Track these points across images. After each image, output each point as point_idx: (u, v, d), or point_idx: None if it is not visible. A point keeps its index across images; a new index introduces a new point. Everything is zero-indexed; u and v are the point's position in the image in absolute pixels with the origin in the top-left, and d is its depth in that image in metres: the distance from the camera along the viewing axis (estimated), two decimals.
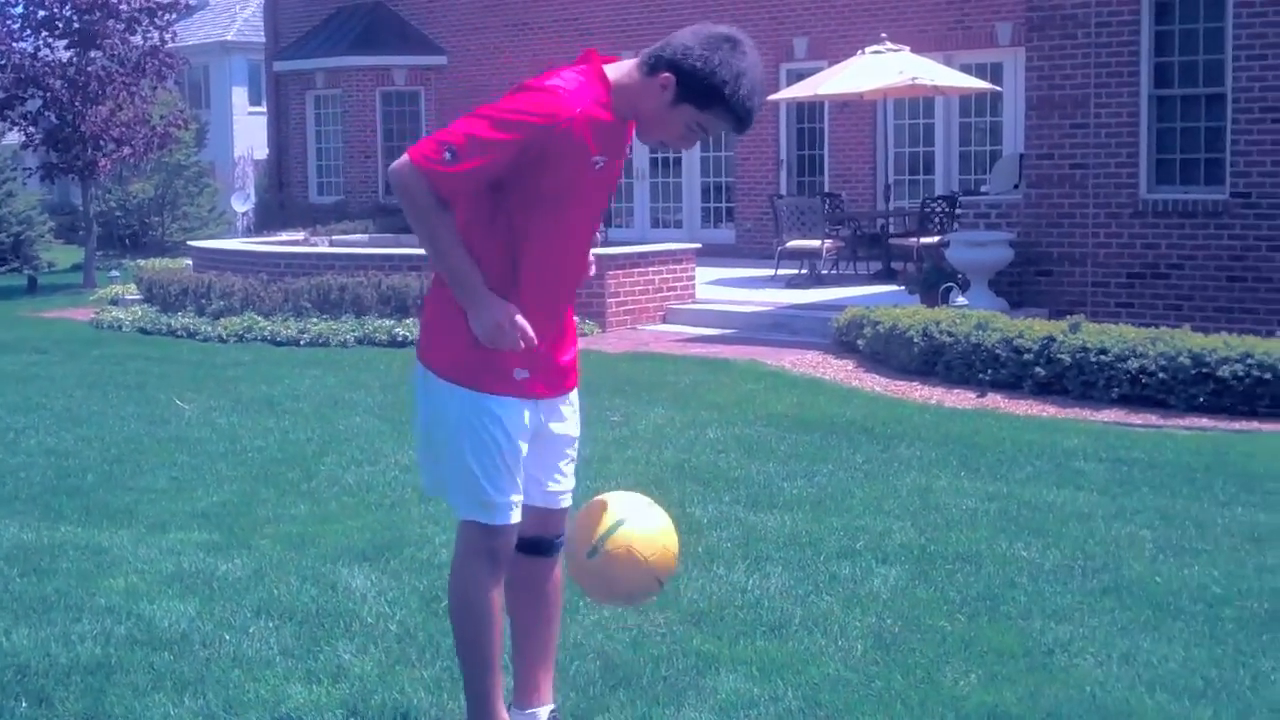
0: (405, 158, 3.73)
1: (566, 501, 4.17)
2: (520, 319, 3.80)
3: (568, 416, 4.09)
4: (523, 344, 3.80)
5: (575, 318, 4.17)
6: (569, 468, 4.15)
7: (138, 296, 19.09)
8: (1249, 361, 10.15)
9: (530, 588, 4.16)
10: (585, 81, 3.80)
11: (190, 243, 23.22)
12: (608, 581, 4.07)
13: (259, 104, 37.56)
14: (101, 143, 23.53)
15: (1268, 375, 10.04)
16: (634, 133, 3.95)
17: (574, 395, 4.14)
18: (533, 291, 3.87)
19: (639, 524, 4.03)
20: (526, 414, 3.91)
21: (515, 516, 3.93)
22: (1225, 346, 10.38)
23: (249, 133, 39.76)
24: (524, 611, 4.18)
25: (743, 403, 10.51)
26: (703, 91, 3.74)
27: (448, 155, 3.68)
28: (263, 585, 5.95)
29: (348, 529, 6.90)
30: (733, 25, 3.87)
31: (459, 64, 27.08)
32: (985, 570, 6.11)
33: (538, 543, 4.12)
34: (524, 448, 3.93)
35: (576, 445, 4.17)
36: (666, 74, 3.75)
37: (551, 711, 4.18)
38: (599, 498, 4.15)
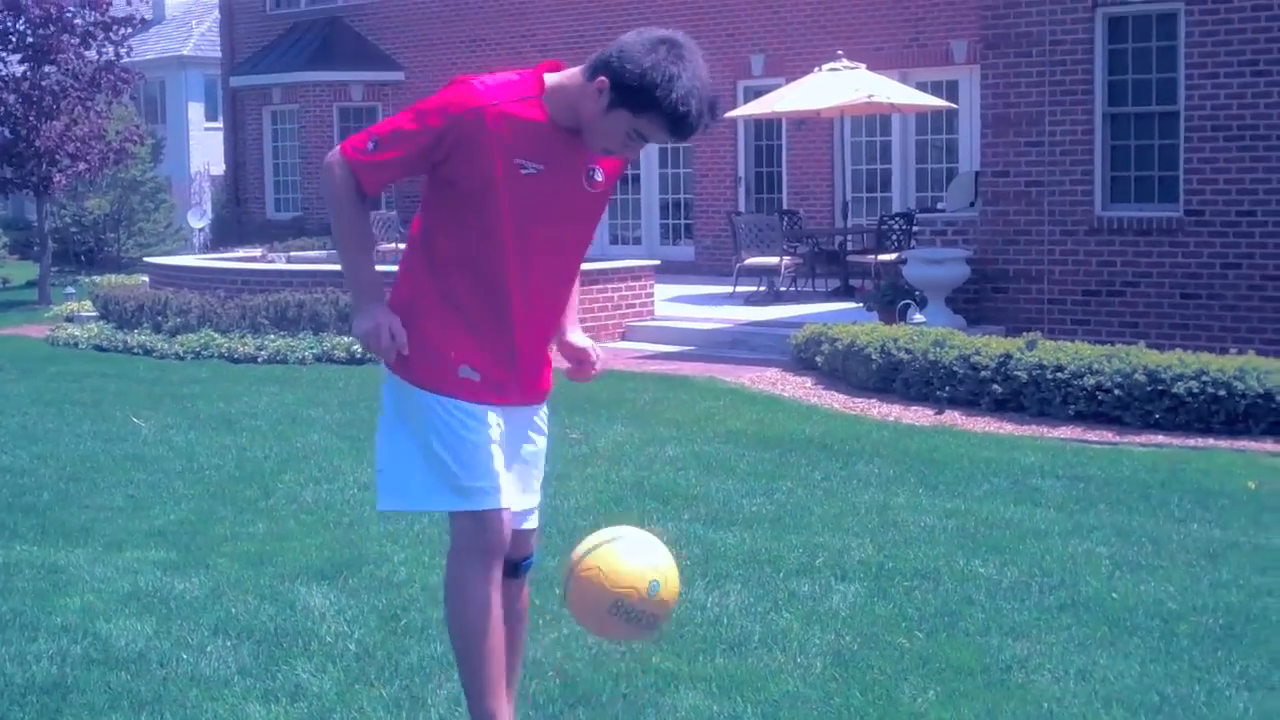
0: (336, 147, 3.86)
1: (532, 522, 4.13)
2: (393, 328, 3.80)
3: (534, 436, 4.06)
4: (390, 357, 3.83)
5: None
6: (534, 486, 4.10)
7: (93, 313, 18.97)
8: (1204, 378, 10.23)
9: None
10: (513, 80, 3.78)
11: (146, 259, 23.08)
12: (576, 605, 3.96)
13: (216, 119, 37.39)
14: (56, 158, 23.36)
15: (1222, 392, 10.13)
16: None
17: (542, 415, 4.11)
18: (470, 298, 3.85)
19: (620, 550, 3.89)
20: (490, 414, 3.87)
21: (500, 501, 3.85)
22: (1180, 363, 10.47)
23: (206, 148, 39.55)
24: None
25: (702, 420, 10.52)
26: (635, 95, 3.65)
27: (370, 145, 3.77)
28: (220, 604, 5.92)
29: (306, 547, 6.87)
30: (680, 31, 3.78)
31: (416, 79, 27.04)
32: (943, 587, 6.14)
33: (505, 563, 4.04)
34: (495, 439, 3.87)
35: (542, 465, 4.13)
36: (602, 77, 3.68)
37: None
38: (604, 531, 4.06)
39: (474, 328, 3.87)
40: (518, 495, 4.00)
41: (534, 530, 4.15)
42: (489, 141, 3.72)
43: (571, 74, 3.80)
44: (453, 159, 3.75)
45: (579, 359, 4.16)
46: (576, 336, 4.17)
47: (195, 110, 42.67)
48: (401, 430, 3.93)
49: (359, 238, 3.88)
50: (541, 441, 4.09)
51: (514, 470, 3.98)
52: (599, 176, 3.94)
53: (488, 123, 3.71)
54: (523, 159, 3.76)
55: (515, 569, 4.09)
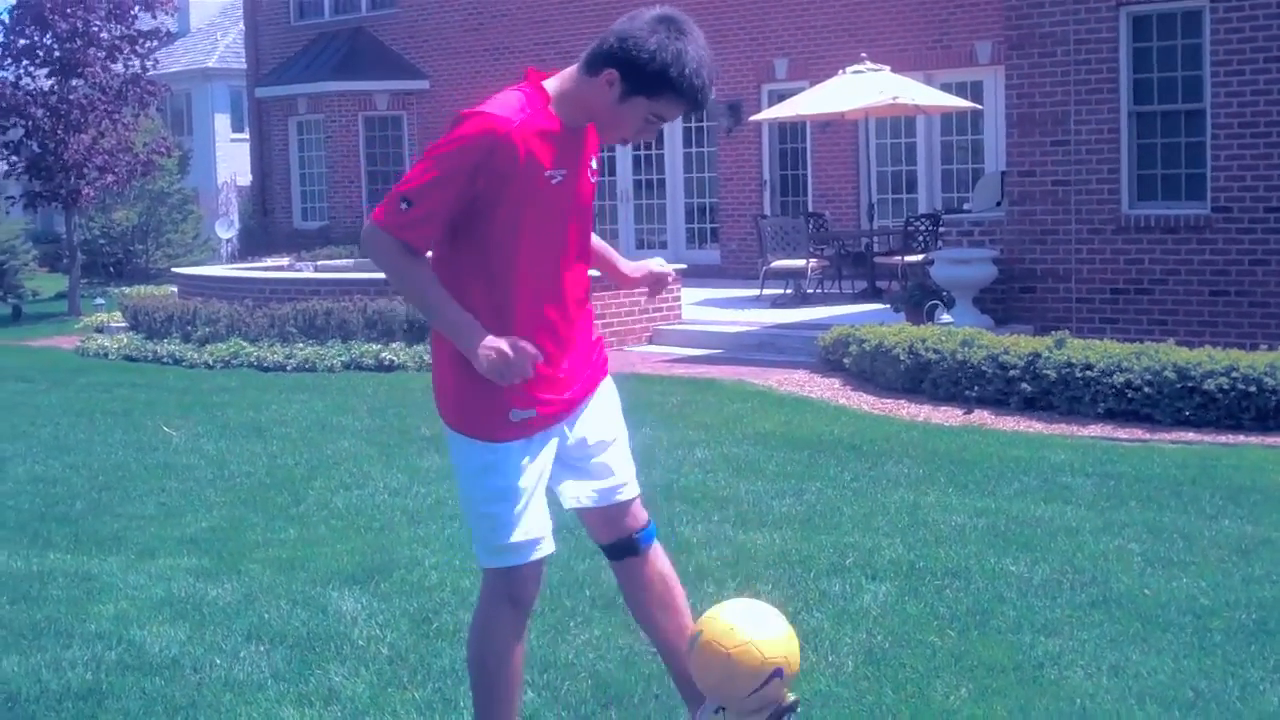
0: (369, 221, 3.70)
1: (625, 494, 4.00)
2: (521, 342, 3.64)
3: (597, 415, 3.96)
4: (530, 367, 3.64)
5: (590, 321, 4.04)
6: (616, 461, 3.98)
7: (123, 324, 19.07)
8: (1234, 375, 10.19)
9: (636, 590, 4.06)
10: (521, 96, 3.71)
11: (175, 269, 23.21)
12: (699, 671, 3.92)
13: (241, 130, 37.55)
14: (84, 170, 23.53)
15: (1252, 388, 10.09)
16: (599, 140, 3.85)
17: (603, 390, 4.01)
18: (525, 320, 3.76)
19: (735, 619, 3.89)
20: (530, 455, 3.80)
21: (533, 555, 3.80)
22: (1210, 360, 10.42)
23: (232, 159, 39.72)
24: (646, 615, 4.07)
25: (730, 422, 10.52)
26: (649, 80, 3.62)
27: (403, 205, 3.62)
28: (253, 609, 5.95)
29: (337, 552, 6.90)
30: (668, 6, 3.73)
31: (441, 88, 27.12)
32: (974, 585, 6.13)
33: (617, 546, 4.02)
34: (535, 483, 3.81)
35: (620, 437, 4.02)
36: (610, 70, 3.64)
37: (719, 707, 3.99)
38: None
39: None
40: (591, 481, 3.94)
41: (628, 503, 4.01)
42: (524, 162, 3.64)
43: (568, 74, 3.76)
44: (489, 190, 3.65)
45: (649, 281, 4.21)
46: (633, 266, 4.23)
47: (221, 121, 42.85)
48: (460, 484, 3.91)
49: (429, 286, 3.68)
50: (603, 412, 3.98)
51: (578, 458, 3.92)
52: (594, 164, 3.91)
53: (517, 143, 3.62)
54: (552, 170, 3.70)
55: (631, 546, 4.01)
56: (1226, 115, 13.32)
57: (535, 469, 3.80)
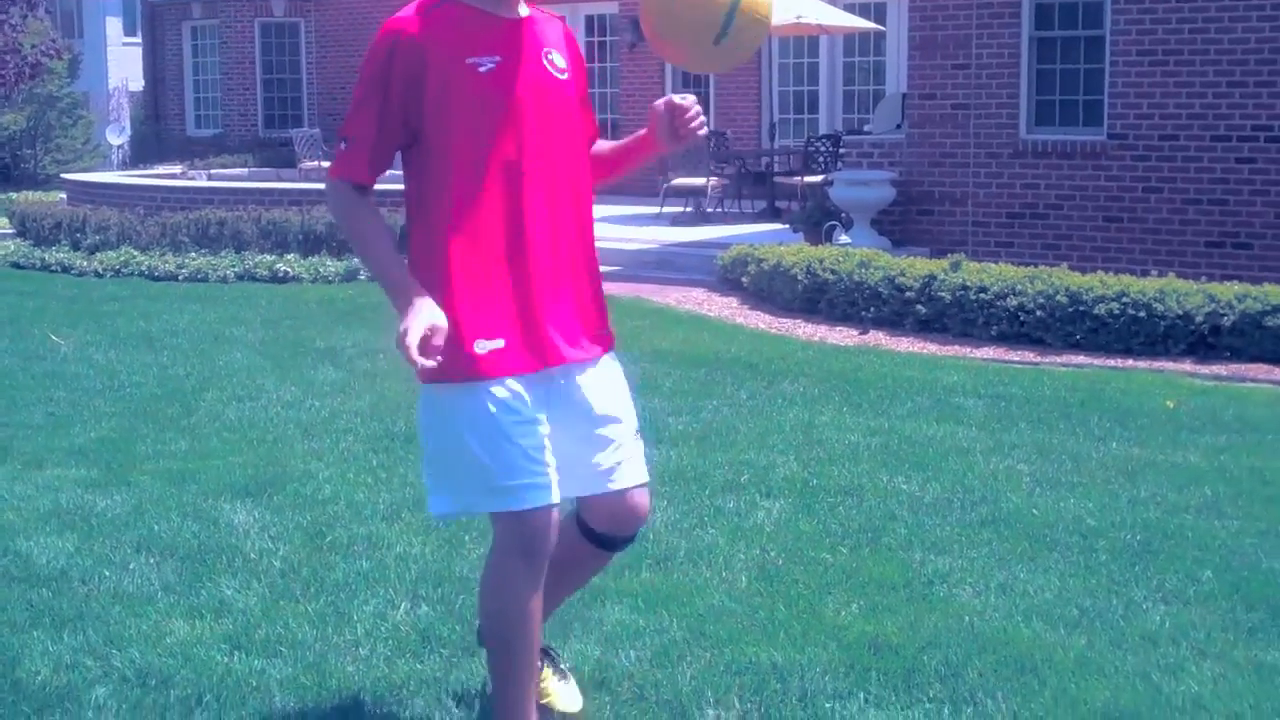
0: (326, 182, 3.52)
1: (623, 482, 3.66)
2: (431, 324, 3.27)
3: (596, 384, 3.63)
4: (411, 353, 3.24)
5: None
6: (615, 443, 3.64)
7: (10, 230, 18.65)
8: (1124, 300, 10.35)
9: (575, 568, 3.84)
10: (422, 2, 3.42)
11: (64, 175, 22.70)
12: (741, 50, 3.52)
13: (134, 34, 36.72)
14: None
15: (1142, 314, 10.25)
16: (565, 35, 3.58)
17: (605, 363, 3.70)
18: (473, 254, 3.41)
19: None
20: (511, 394, 3.41)
21: (544, 499, 3.43)
22: (1101, 285, 10.57)
23: (124, 63, 38.83)
24: (554, 581, 3.66)
25: (628, 339, 10.48)
26: None
27: (342, 145, 3.44)
28: (143, 521, 5.87)
29: (229, 465, 6.82)
30: None
31: None
32: (867, 503, 6.19)
33: (606, 539, 3.76)
34: (526, 423, 3.42)
35: (625, 418, 3.69)
36: None
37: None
38: None
39: (488, 288, 3.42)
40: (590, 466, 3.61)
41: (629, 497, 3.68)
42: (432, 54, 3.35)
43: None
44: (414, 99, 3.36)
45: (668, 121, 3.64)
46: (640, 132, 3.77)
47: (113, 25, 41.86)
48: (433, 427, 3.52)
49: (375, 240, 3.42)
50: (605, 385, 3.66)
51: (581, 440, 3.59)
52: (560, 61, 3.54)
53: (420, 39, 3.34)
54: (478, 57, 3.38)
55: (612, 544, 3.78)
56: (1125, 42, 13.43)
57: (522, 409, 3.42)
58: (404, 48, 3.36)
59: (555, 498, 3.47)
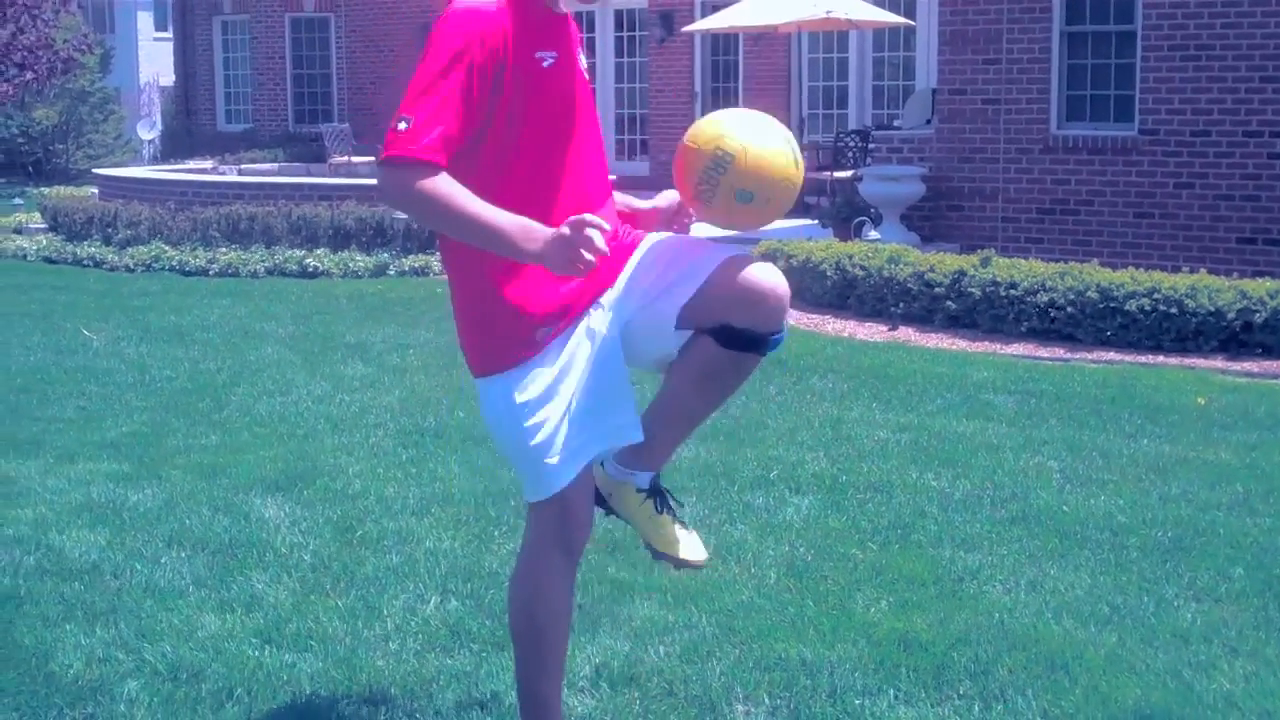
0: (379, 173, 3.22)
1: (754, 272, 3.39)
2: (587, 216, 3.11)
3: (654, 254, 3.48)
4: (598, 239, 3.08)
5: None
6: (706, 255, 3.45)
7: (42, 225, 18.73)
8: (1155, 296, 10.30)
9: (718, 374, 3.47)
10: None
11: (96, 170, 22.82)
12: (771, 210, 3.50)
13: (165, 29, 36.87)
14: (3, 67, 23.02)
15: (1173, 310, 10.20)
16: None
17: (648, 241, 3.55)
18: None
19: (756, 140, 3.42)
20: (556, 357, 3.33)
21: (569, 474, 3.38)
22: (1132, 281, 10.52)
23: (155, 59, 39.00)
24: (693, 384, 3.48)
25: None
26: None
27: (402, 125, 3.13)
28: (174, 515, 5.90)
29: (260, 459, 6.85)
30: None
31: None
32: (896, 500, 6.18)
33: (748, 338, 3.40)
34: (575, 388, 3.35)
35: (703, 247, 3.51)
36: None
37: (652, 479, 3.60)
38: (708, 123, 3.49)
39: (534, 277, 3.31)
40: (681, 268, 3.42)
41: (754, 273, 3.39)
42: (513, 41, 3.22)
43: None
44: (493, 85, 3.20)
45: (668, 215, 3.71)
46: (646, 202, 3.76)
47: (144, 20, 42.05)
48: (495, 429, 3.46)
49: (463, 201, 3.14)
50: (672, 247, 3.53)
51: (668, 283, 3.42)
52: (584, 61, 3.49)
53: (502, 22, 3.20)
54: (540, 49, 3.27)
55: (761, 343, 3.42)
56: (1157, 37, 13.36)
57: (571, 371, 3.35)
58: (487, 30, 3.18)
59: (575, 473, 3.38)
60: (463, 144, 3.18)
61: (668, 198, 3.74)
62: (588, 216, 3.10)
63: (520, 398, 3.34)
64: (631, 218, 3.73)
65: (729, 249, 3.46)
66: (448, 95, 3.14)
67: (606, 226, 3.11)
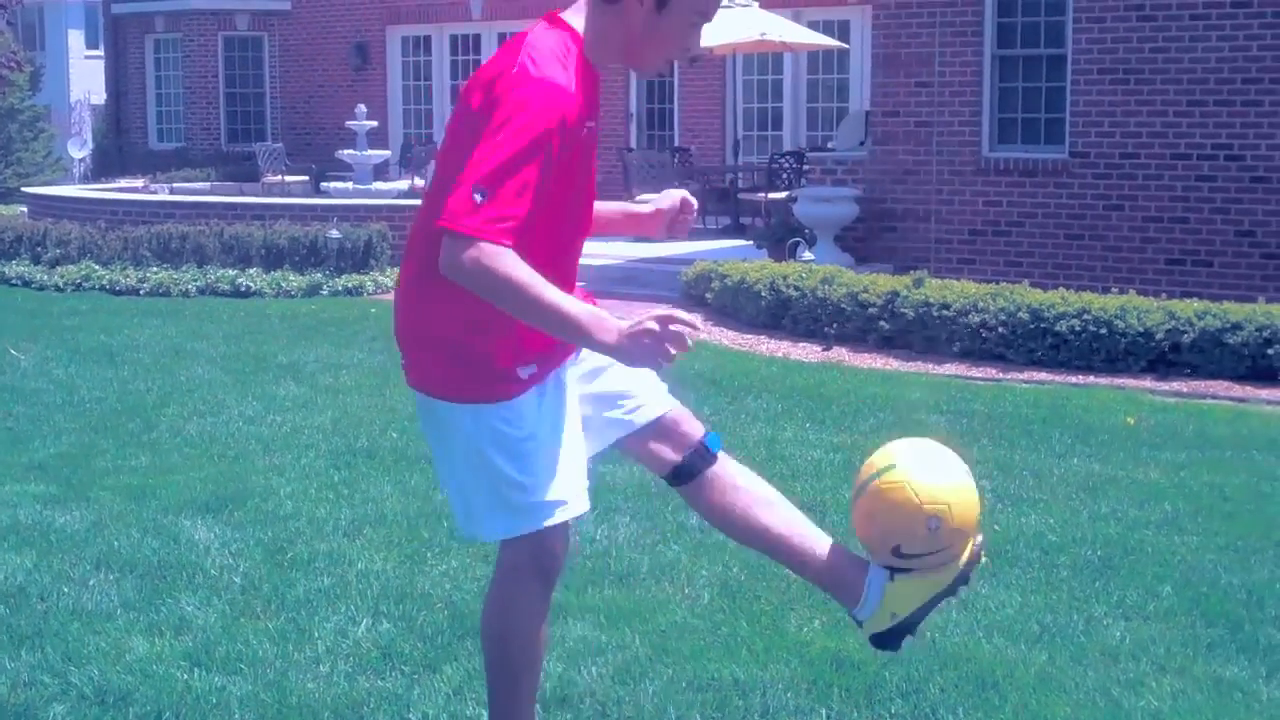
0: (446, 241, 3.08)
1: (648, 414, 3.57)
2: (678, 313, 3.15)
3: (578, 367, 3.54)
4: (689, 341, 3.14)
5: None
6: (630, 378, 3.54)
7: None
8: (1085, 317, 10.40)
9: (728, 499, 3.62)
10: (560, 42, 3.22)
11: (25, 189, 22.59)
12: (858, 522, 3.62)
13: (96, 47, 36.58)
14: None
15: (1103, 330, 10.30)
16: (639, 73, 3.56)
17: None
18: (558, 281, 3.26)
19: (917, 471, 3.56)
20: (541, 400, 3.37)
21: (560, 516, 3.39)
22: (1063, 302, 10.63)
23: (86, 77, 38.70)
24: (752, 522, 3.61)
25: None
26: None
27: (478, 197, 3.03)
28: (102, 537, 5.83)
29: (190, 480, 6.78)
30: None
31: (303, 9, 26.59)
32: (830, 519, 6.19)
33: (674, 470, 3.59)
34: (555, 432, 3.39)
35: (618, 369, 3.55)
36: None
37: (856, 612, 3.63)
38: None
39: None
40: (609, 405, 3.55)
41: (670, 416, 3.57)
42: (580, 120, 3.20)
43: (580, 9, 3.29)
44: (557, 163, 3.16)
45: (671, 215, 3.74)
46: (644, 204, 3.79)
47: (75, 37, 41.72)
48: (456, 454, 3.42)
49: (537, 288, 3.09)
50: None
51: (604, 395, 3.54)
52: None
53: (578, 107, 3.17)
54: (591, 119, 3.27)
55: (704, 453, 3.60)
56: (1087, 61, 13.52)
57: (552, 416, 3.39)
58: (568, 113, 3.14)
59: (573, 511, 3.44)
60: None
61: (669, 198, 3.76)
62: (678, 313, 3.14)
63: (509, 431, 3.33)
64: (633, 222, 3.78)
65: (649, 393, 3.59)
66: (529, 180, 3.08)
67: (698, 326, 3.17)
